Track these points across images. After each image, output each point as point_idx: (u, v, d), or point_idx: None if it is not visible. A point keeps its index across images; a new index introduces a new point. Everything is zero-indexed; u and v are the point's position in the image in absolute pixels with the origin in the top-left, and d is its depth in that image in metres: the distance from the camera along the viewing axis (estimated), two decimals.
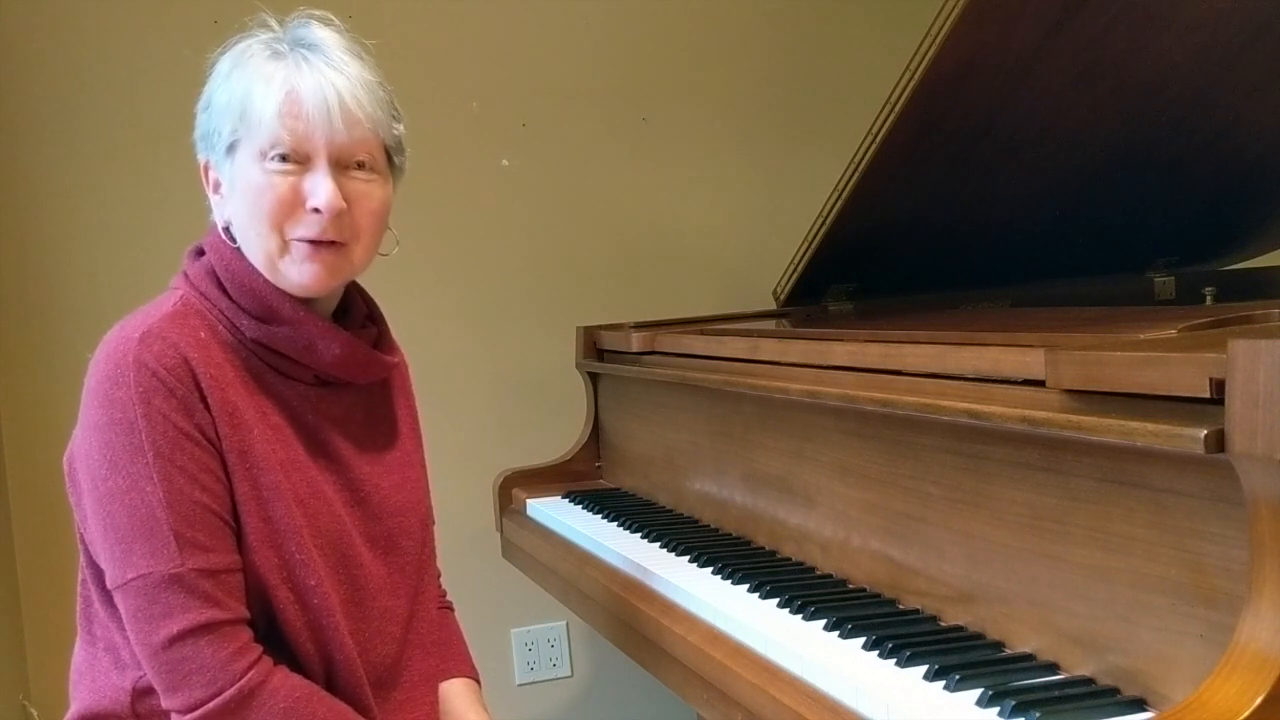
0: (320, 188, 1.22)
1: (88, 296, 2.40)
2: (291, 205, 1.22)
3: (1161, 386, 0.95)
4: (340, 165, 1.24)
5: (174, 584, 1.14)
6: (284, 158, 1.21)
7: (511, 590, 2.49)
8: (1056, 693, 1.03)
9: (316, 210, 1.22)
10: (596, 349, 2.27)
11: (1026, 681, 1.07)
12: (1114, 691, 1.03)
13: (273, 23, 1.28)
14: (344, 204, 1.23)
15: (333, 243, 1.24)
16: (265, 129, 1.21)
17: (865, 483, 1.41)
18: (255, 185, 1.22)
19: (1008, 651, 1.16)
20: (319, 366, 1.28)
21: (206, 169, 1.29)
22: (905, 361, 1.32)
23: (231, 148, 1.24)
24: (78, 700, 1.28)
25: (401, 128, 1.31)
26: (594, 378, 2.30)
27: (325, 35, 1.26)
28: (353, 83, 1.23)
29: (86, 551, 1.24)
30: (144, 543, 1.15)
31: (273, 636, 1.22)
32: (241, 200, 1.24)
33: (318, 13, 1.29)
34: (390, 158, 1.30)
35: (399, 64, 2.46)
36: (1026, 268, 2.14)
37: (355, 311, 1.37)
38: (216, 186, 1.28)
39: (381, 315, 1.40)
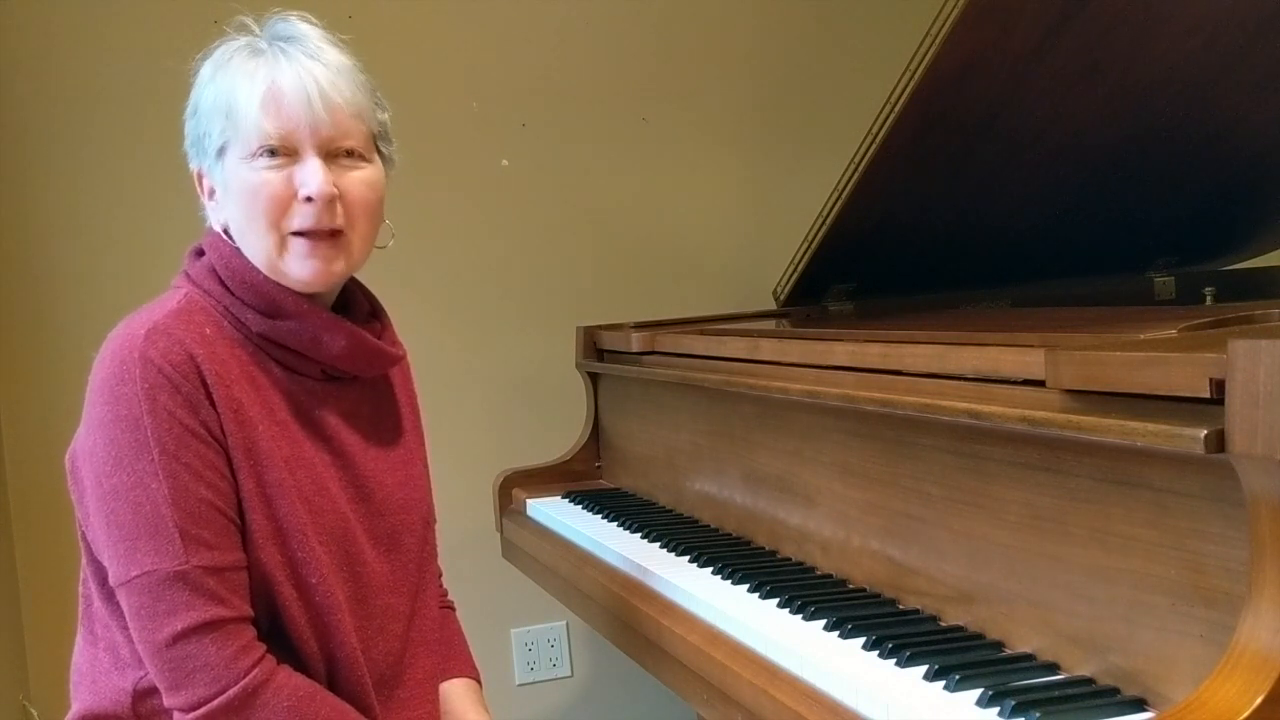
0: (310, 176, 1.22)
1: (88, 296, 2.40)
2: (285, 199, 1.22)
3: (1161, 386, 0.95)
4: (329, 155, 1.24)
5: (178, 581, 1.14)
6: (272, 152, 1.22)
7: (511, 590, 2.48)
8: (1056, 693, 1.03)
9: (309, 199, 1.22)
10: (596, 349, 2.27)
11: (1026, 681, 1.07)
12: (1114, 691, 1.03)
13: (251, 23, 1.28)
14: (335, 190, 1.23)
15: (330, 234, 1.24)
16: (251, 124, 1.21)
17: (865, 483, 1.41)
18: (249, 184, 1.22)
19: (1008, 651, 1.16)
20: (325, 359, 1.28)
21: (200, 177, 1.29)
22: (905, 361, 1.32)
23: (221, 150, 1.24)
24: (78, 701, 1.28)
25: (387, 116, 1.32)
26: (594, 378, 2.30)
27: (304, 28, 1.27)
28: (331, 69, 1.24)
29: (88, 550, 1.24)
30: (149, 540, 1.15)
31: (275, 634, 1.22)
32: (236, 202, 1.24)
33: (294, 13, 1.29)
34: (377, 146, 1.30)
35: (399, 64, 2.50)
36: (1026, 268, 2.14)
37: (357, 306, 1.37)
38: (211, 193, 1.28)
39: (384, 310, 1.41)
